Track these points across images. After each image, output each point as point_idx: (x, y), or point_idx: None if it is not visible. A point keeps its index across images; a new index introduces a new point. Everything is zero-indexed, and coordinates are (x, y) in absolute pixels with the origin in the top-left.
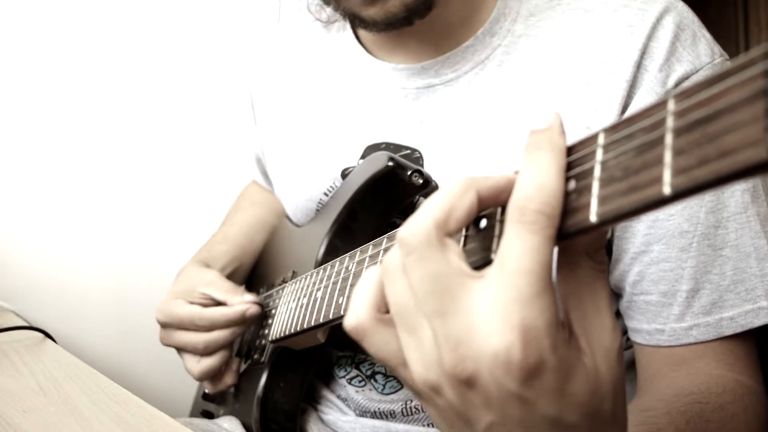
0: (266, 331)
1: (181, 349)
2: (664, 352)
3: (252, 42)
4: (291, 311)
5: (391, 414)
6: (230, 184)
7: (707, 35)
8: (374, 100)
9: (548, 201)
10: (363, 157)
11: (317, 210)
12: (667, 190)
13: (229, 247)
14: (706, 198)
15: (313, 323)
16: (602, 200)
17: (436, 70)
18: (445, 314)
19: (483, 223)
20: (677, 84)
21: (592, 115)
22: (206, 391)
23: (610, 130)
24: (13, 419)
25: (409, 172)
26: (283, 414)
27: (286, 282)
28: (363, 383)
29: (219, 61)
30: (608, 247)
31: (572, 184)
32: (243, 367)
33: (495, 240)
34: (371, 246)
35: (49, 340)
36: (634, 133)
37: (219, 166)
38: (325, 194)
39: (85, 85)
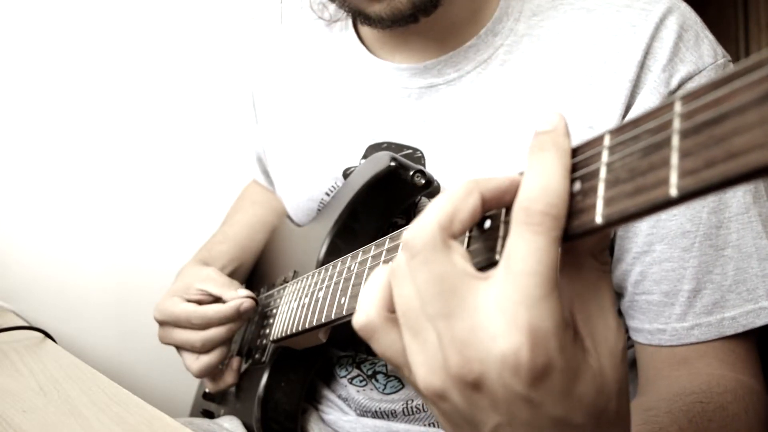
0: (267, 331)
1: (179, 347)
2: (665, 352)
3: (254, 41)
4: (292, 311)
5: (392, 414)
6: (231, 184)
7: (710, 36)
8: (376, 99)
9: (553, 202)
10: (365, 157)
11: (318, 210)
12: (673, 192)
13: (229, 247)
14: (709, 198)
15: (314, 323)
16: (608, 202)
17: (438, 70)
18: (450, 316)
19: (487, 224)
20: (680, 84)
21: (595, 114)
22: (207, 390)
23: (616, 131)
24: (13, 419)
25: (411, 173)
26: (284, 414)
27: (287, 282)
28: (364, 383)
29: (220, 59)
30: (610, 246)
31: (578, 186)
32: (244, 366)
33: (499, 241)
34: (373, 246)
35: (49, 340)
36: (641, 135)
37: (220, 166)
38: (327, 194)
39: (86, 85)
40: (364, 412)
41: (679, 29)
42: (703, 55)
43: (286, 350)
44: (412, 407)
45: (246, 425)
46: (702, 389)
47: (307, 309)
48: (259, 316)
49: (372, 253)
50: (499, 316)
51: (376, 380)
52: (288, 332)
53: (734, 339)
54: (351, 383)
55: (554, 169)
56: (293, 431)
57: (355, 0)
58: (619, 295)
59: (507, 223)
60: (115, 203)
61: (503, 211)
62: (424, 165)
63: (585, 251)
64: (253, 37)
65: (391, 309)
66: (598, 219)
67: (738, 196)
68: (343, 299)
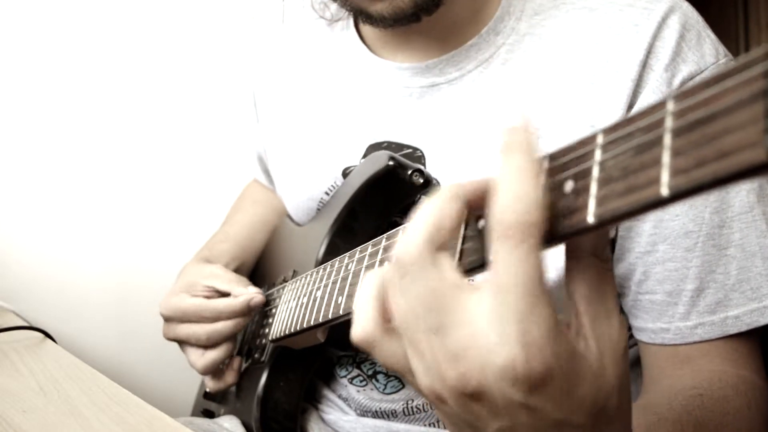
0: (266, 331)
1: (184, 342)
2: (668, 351)
3: (255, 40)
4: (291, 310)
5: (392, 413)
6: (231, 184)
7: (712, 35)
8: (377, 99)
9: (527, 209)
10: (365, 156)
11: (318, 209)
12: (664, 191)
13: (230, 246)
14: (711, 198)
15: (312, 322)
16: (600, 201)
17: (440, 69)
18: (443, 331)
19: (481, 223)
20: (682, 84)
21: (597, 113)
22: (207, 390)
23: (609, 130)
24: (13, 419)
25: (409, 172)
26: (284, 413)
27: (286, 281)
28: (364, 383)
29: (222, 59)
30: (611, 245)
31: (570, 185)
32: (244, 366)
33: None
34: (371, 245)
35: (49, 340)
36: (633, 133)
37: (220, 165)
38: (326, 193)
39: (86, 84)
40: (364, 412)
41: (682, 28)
42: (705, 55)
43: (285, 350)
44: (412, 407)
45: (245, 425)
46: (703, 384)
47: (306, 309)
48: (259, 315)
49: (369, 251)
50: (491, 329)
51: (376, 380)
52: (286, 332)
53: (738, 338)
54: (351, 383)
55: (523, 174)
56: (293, 430)
57: None
58: (620, 293)
59: None
60: (115, 203)
61: None
62: (424, 164)
63: (587, 251)
64: (255, 36)
65: (388, 318)
66: (590, 218)
67: (741, 196)
68: (340, 299)
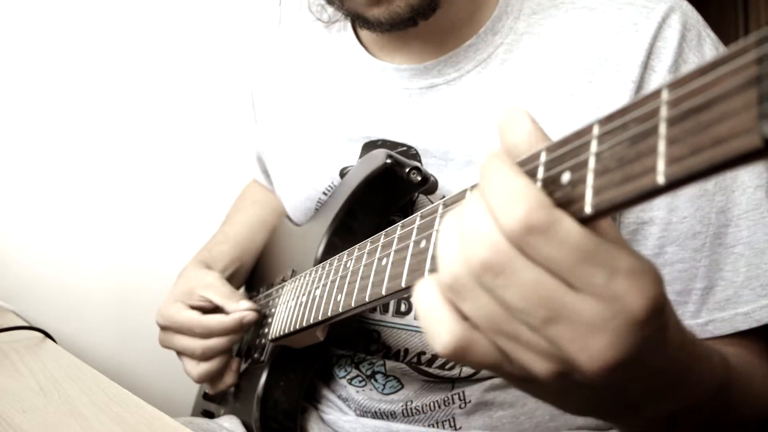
0: (266, 330)
1: (180, 353)
2: None
3: (253, 41)
4: (290, 310)
5: (391, 414)
6: (231, 184)
7: (712, 34)
8: (376, 100)
9: (532, 206)
10: (361, 155)
11: (316, 209)
12: (660, 179)
13: (229, 248)
14: (717, 198)
15: (311, 321)
16: (597, 191)
17: (438, 70)
18: (557, 320)
19: (566, 177)
20: None
21: (596, 113)
22: (207, 391)
23: (605, 120)
24: (13, 419)
25: (407, 170)
26: (283, 413)
27: (285, 281)
28: (363, 383)
29: (220, 60)
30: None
31: (567, 176)
32: (243, 366)
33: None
34: (369, 242)
35: (49, 340)
36: (628, 123)
37: (219, 166)
38: (324, 193)
39: (86, 85)
40: (363, 413)
41: (682, 29)
42: (705, 55)
43: (285, 349)
44: (411, 408)
45: (245, 425)
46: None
47: (305, 307)
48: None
49: (367, 249)
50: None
51: (375, 380)
52: (286, 331)
53: (748, 334)
54: (350, 383)
55: (513, 176)
56: (292, 430)
57: (353, 4)
58: None
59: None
60: (115, 203)
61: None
62: (420, 162)
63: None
64: (252, 38)
65: (465, 317)
66: (588, 209)
67: (748, 193)
68: (339, 296)
